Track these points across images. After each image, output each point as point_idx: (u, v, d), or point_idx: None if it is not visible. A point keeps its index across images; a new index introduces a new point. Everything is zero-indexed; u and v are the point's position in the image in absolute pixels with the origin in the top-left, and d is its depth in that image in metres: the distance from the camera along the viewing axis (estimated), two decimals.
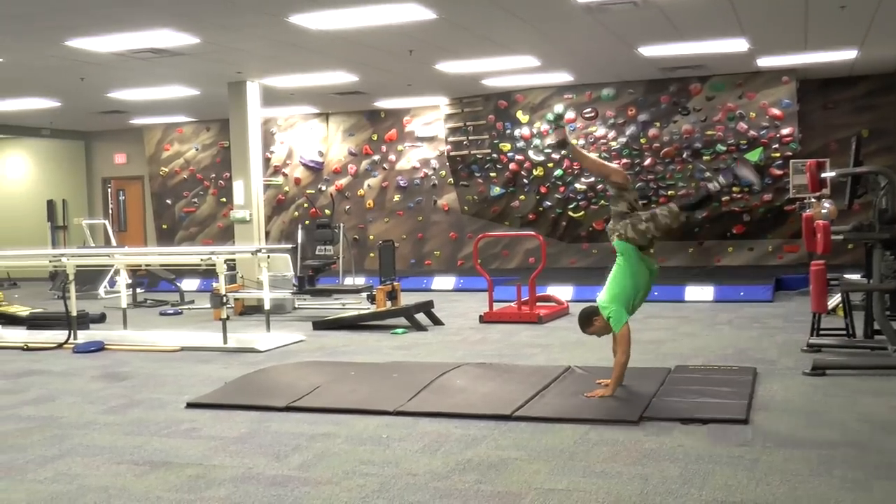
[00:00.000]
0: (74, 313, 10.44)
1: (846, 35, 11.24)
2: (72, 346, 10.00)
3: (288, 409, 6.60)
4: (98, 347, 9.89)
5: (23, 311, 12.36)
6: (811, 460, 4.98)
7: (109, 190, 20.96)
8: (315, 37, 10.22)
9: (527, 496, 4.55)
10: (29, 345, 10.22)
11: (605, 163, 7.62)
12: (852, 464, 4.91)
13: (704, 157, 14.64)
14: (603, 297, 6.76)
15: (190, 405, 6.88)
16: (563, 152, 7.10)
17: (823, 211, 11.16)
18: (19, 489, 4.93)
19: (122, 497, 4.72)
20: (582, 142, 15.27)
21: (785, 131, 14.08)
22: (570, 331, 10.32)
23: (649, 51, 11.94)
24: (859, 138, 8.66)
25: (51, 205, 20.50)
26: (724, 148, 14.45)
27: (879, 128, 14.60)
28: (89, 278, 15.84)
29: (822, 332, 8.78)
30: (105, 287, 16.16)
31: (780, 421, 5.87)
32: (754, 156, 14.29)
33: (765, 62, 13.19)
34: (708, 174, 14.64)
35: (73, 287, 10.55)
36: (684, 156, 14.74)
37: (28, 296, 15.80)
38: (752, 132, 14.22)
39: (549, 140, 15.20)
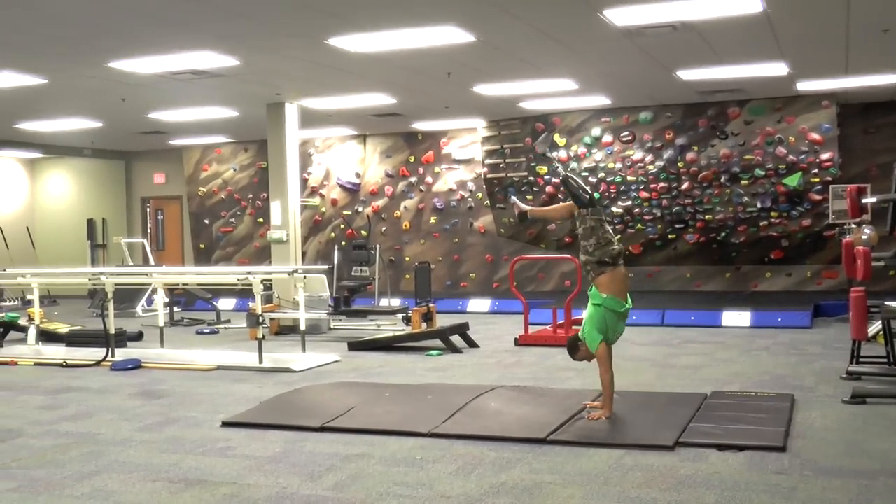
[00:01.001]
0: (112, 331, 10.55)
1: (888, 59, 11.15)
2: (109, 363, 10.11)
3: (322, 429, 6.62)
4: (135, 365, 9.99)
5: (62, 328, 12.52)
6: (850, 490, 4.91)
7: (148, 209, 21.20)
8: (354, 59, 10.31)
9: None
10: (68, 361, 10.35)
11: (557, 207, 7.99)
12: (893, 494, 4.84)
13: (742, 182, 14.55)
14: (582, 326, 6.98)
15: (225, 424, 6.93)
16: (525, 223, 7.27)
17: (864, 237, 11.06)
18: None
19: None
20: (619, 165, 15.25)
21: (825, 156, 13.96)
22: None
23: (687, 74, 11.92)
24: None
25: (91, 223, 20.78)
26: (762, 172, 14.36)
27: None
28: (127, 296, 16.01)
29: (861, 360, 8.67)
30: (143, 305, 16.32)
31: (818, 449, 5.80)
32: (793, 180, 14.19)
33: (804, 86, 13.11)
34: (746, 198, 14.56)
35: (111, 305, 10.67)
36: (722, 180, 14.66)
37: (67, 313, 16.00)
38: (791, 157, 14.12)
39: (586, 163, 15.20)
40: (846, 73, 11.97)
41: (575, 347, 7.03)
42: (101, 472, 5.60)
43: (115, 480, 5.42)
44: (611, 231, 7.07)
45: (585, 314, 6.90)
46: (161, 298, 12.16)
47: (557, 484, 5.15)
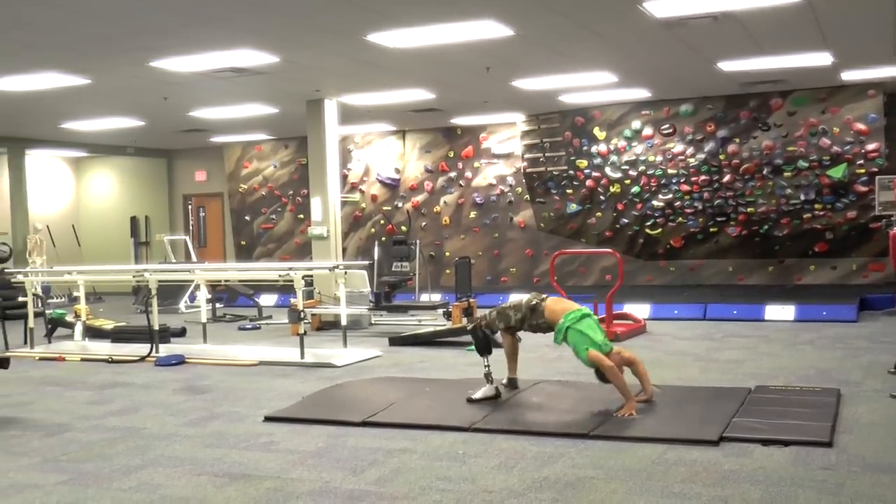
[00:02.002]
0: (156, 327, 10.69)
1: None
2: (154, 359, 10.23)
3: (364, 424, 6.65)
4: (179, 361, 10.10)
5: (107, 324, 12.68)
6: None
7: (190, 207, 21.39)
8: (393, 55, 10.32)
9: None
10: (113, 357, 10.49)
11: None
12: None
13: (785, 174, 14.38)
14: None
15: (268, 419, 6.98)
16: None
17: None
18: (105, 497, 5.06)
19: None
20: (660, 158, 15.14)
21: (870, 146, 13.76)
22: (648, 349, 10.22)
23: (729, 66, 11.80)
24: None
25: (134, 221, 21.02)
26: (806, 164, 14.18)
27: None
28: (170, 293, 16.17)
29: None
30: (185, 302, 16.49)
31: (865, 444, 5.73)
32: (838, 172, 14.00)
33: (849, 76, 12.92)
34: (789, 190, 14.39)
35: (155, 301, 10.79)
36: (765, 172, 14.50)
37: (112, 310, 16.19)
38: (835, 148, 13.93)
39: (627, 157, 15.12)
40: (893, 61, 11.78)
41: (600, 373, 6.98)
42: (148, 466, 5.68)
43: (160, 474, 5.49)
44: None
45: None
46: (203, 295, 12.28)
47: (600, 479, 5.13)
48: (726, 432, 5.99)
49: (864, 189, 13.97)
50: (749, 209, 14.88)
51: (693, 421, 6.41)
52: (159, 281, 11.20)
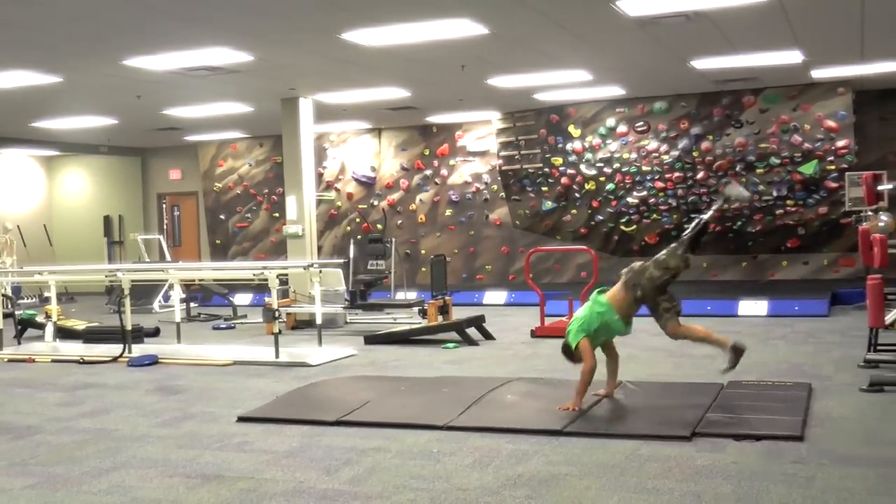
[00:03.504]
0: (129, 327, 10.60)
1: None
2: (126, 359, 10.15)
3: (339, 423, 6.62)
4: (152, 361, 10.02)
5: (79, 324, 12.58)
6: (868, 479, 4.88)
7: (164, 205, 21.27)
8: (368, 53, 10.29)
9: None
10: (85, 358, 10.40)
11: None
12: None
13: (758, 170, 14.47)
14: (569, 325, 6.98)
15: (242, 419, 6.94)
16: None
17: (881, 224, 10.99)
18: (74, 501, 5.01)
19: None
20: (634, 155, 15.19)
21: (840, 143, 13.87)
22: (622, 345, 10.15)
23: (702, 63, 11.85)
24: None
25: (107, 220, 20.88)
26: (777, 161, 14.27)
27: None
28: (144, 293, 16.08)
29: (879, 348, 8.62)
30: (159, 301, 16.40)
31: (836, 438, 5.77)
32: (809, 168, 14.10)
33: (820, 74, 13.02)
34: (762, 187, 14.48)
35: (128, 301, 10.71)
36: (737, 169, 14.58)
37: (84, 310, 16.08)
38: (806, 144, 14.03)
39: (601, 154, 15.15)
40: (862, 59, 11.87)
41: (569, 352, 6.94)
42: (119, 468, 5.62)
43: (132, 476, 5.44)
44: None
45: (576, 314, 6.96)
46: (178, 294, 12.21)
47: (574, 475, 5.13)
48: (699, 428, 6.01)
49: (834, 185, 14.08)
50: (723, 206, 14.94)
51: (666, 417, 6.43)
52: (133, 281, 11.12)
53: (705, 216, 7.05)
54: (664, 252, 6.94)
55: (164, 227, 21.10)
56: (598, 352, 6.97)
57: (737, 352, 6.72)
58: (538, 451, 5.69)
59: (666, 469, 5.18)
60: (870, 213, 12.49)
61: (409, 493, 4.92)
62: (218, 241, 20.12)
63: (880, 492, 4.67)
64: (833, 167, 13.99)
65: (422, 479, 5.17)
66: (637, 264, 6.95)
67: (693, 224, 7.10)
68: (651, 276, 6.80)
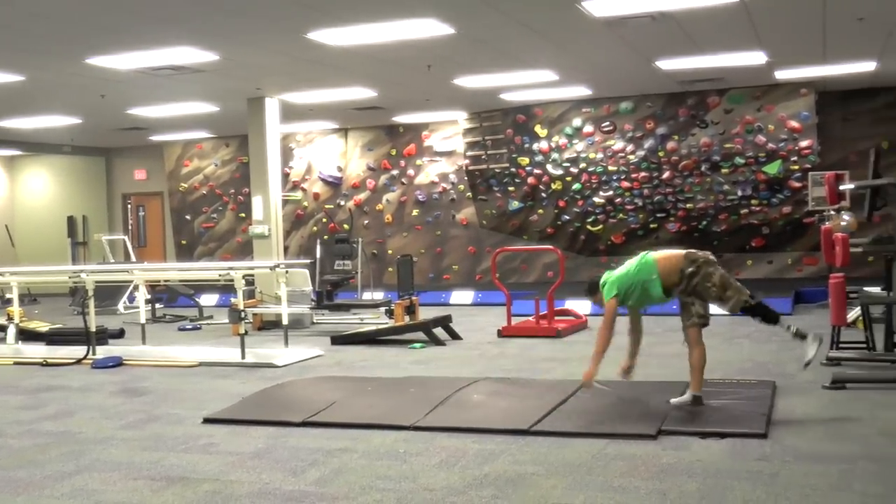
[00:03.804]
0: (93, 329, 10.50)
1: (865, 47, 11.19)
2: (91, 361, 10.05)
3: (305, 424, 6.59)
4: (116, 363, 9.93)
5: (42, 326, 12.43)
6: (831, 475, 4.94)
7: (129, 206, 21.08)
8: (334, 53, 10.26)
9: None
10: (48, 360, 10.27)
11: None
12: (873, 478, 4.87)
13: (723, 170, 14.59)
14: (607, 275, 6.94)
15: (207, 420, 6.89)
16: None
17: (843, 223, 11.11)
18: None
19: None
20: (600, 155, 15.25)
21: (804, 143, 14.01)
22: (589, 344, 10.21)
23: (667, 64, 11.93)
24: (878, 150, 8.63)
25: (71, 221, 20.65)
26: (742, 161, 14.40)
27: None
28: (109, 294, 15.91)
29: (841, 346, 8.72)
30: (124, 303, 16.24)
31: (799, 435, 5.83)
32: (773, 168, 14.24)
33: (783, 74, 13.15)
34: (727, 186, 14.60)
35: (92, 303, 10.61)
36: (703, 169, 14.69)
37: (48, 311, 15.91)
38: (770, 144, 14.17)
39: (568, 154, 15.20)
40: (824, 61, 12.00)
41: (594, 289, 7.00)
42: (82, 472, 5.56)
43: (95, 480, 5.38)
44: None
45: (618, 271, 6.87)
46: (143, 295, 12.11)
47: (540, 475, 5.14)
48: (665, 426, 6.05)
49: (798, 185, 14.23)
50: (688, 205, 15.07)
51: (632, 415, 6.47)
52: (97, 282, 11.01)
53: (790, 329, 6.72)
54: (737, 284, 6.73)
55: (129, 227, 20.91)
56: (623, 325, 6.99)
57: (696, 400, 6.64)
58: (504, 450, 5.70)
59: (632, 467, 5.21)
60: (832, 212, 12.64)
61: (375, 493, 4.91)
62: (183, 242, 19.98)
63: (842, 487, 4.73)
64: (797, 167, 14.14)
65: (388, 479, 5.16)
66: (712, 257, 6.76)
67: (771, 315, 6.82)
68: (711, 280, 6.61)
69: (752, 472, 5.02)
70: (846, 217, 11.64)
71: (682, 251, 6.79)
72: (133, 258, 18.39)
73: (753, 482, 4.85)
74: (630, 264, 6.85)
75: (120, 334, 12.32)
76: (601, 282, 6.93)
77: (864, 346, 8.78)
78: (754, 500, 4.56)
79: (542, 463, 5.39)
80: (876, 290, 9.94)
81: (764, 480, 4.87)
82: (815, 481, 4.83)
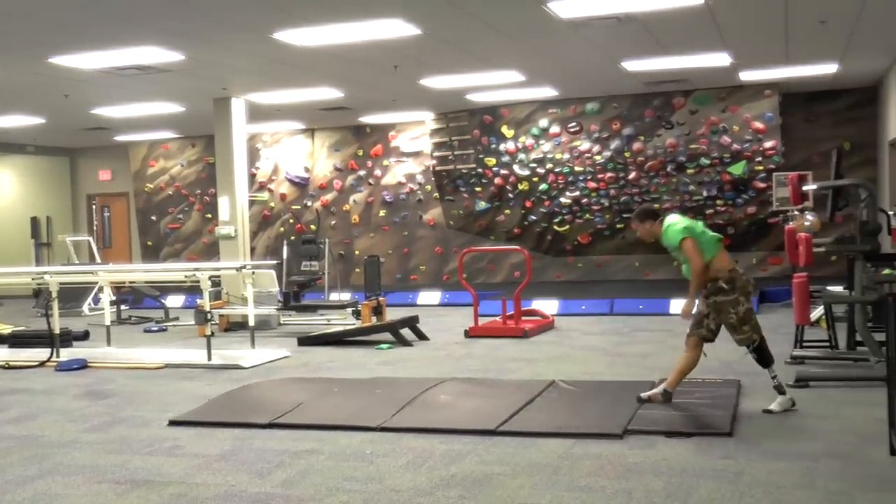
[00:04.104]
0: (57, 331, 10.37)
1: (826, 49, 11.31)
2: (54, 363, 9.93)
3: (271, 425, 6.56)
4: (81, 365, 9.82)
5: (5, 329, 12.27)
6: (794, 473, 4.98)
7: (94, 206, 20.88)
8: (300, 53, 10.22)
9: None
10: (10, 363, 10.13)
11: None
12: (836, 476, 4.92)
13: (689, 171, 14.69)
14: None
15: (173, 423, 6.83)
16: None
17: (807, 223, 11.22)
18: None
19: None
20: (567, 156, 15.30)
21: (768, 144, 14.14)
22: (556, 344, 10.34)
23: (633, 65, 11.99)
24: (840, 151, 8.72)
25: (35, 222, 20.40)
26: (707, 161, 14.50)
27: (861, 140, 14.68)
28: (73, 295, 15.74)
29: (805, 344, 8.80)
30: (89, 304, 16.08)
31: (763, 433, 5.88)
32: (738, 169, 14.35)
33: (747, 76, 13.25)
34: (692, 187, 14.70)
35: (56, 304, 10.48)
36: (668, 169, 14.79)
37: (11, 313, 15.69)
38: (735, 145, 14.28)
39: (534, 155, 15.23)
40: (787, 62, 12.12)
41: (644, 217, 6.86)
42: (45, 476, 5.49)
43: (59, 484, 5.31)
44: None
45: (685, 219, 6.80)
46: (108, 297, 11.99)
47: (507, 475, 5.15)
48: (631, 425, 6.08)
49: (762, 185, 14.35)
50: (654, 206, 15.13)
51: (599, 415, 6.50)
52: (61, 283, 10.88)
53: (774, 378, 6.63)
54: (755, 323, 6.69)
55: (94, 228, 20.71)
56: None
57: (666, 396, 6.69)
58: (471, 450, 5.70)
59: (598, 467, 5.23)
60: (796, 212, 12.76)
61: (342, 495, 4.89)
62: (149, 243, 19.82)
63: (805, 485, 4.77)
64: (761, 167, 14.26)
65: (355, 480, 5.15)
66: (751, 288, 6.75)
67: (766, 358, 6.70)
68: (735, 308, 6.59)
69: (717, 471, 5.06)
70: (810, 217, 11.75)
71: (734, 261, 6.83)
72: (98, 259, 18.21)
73: (718, 480, 4.88)
74: (696, 222, 6.79)
75: (84, 336, 12.17)
76: (664, 220, 6.77)
77: (828, 344, 8.89)
78: (719, 499, 4.59)
79: (508, 463, 5.39)
80: (839, 289, 10.06)
81: (728, 479, 4.91)
82: (778, 479, 4.88)
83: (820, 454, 5.34)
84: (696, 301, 6.74)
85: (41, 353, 10.29)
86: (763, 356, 6.67)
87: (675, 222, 6.76)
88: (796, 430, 5.97)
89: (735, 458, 5.30)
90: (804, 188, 8.24)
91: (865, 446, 5.50)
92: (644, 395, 6.77)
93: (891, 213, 10.21)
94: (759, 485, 4.79)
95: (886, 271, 8.34)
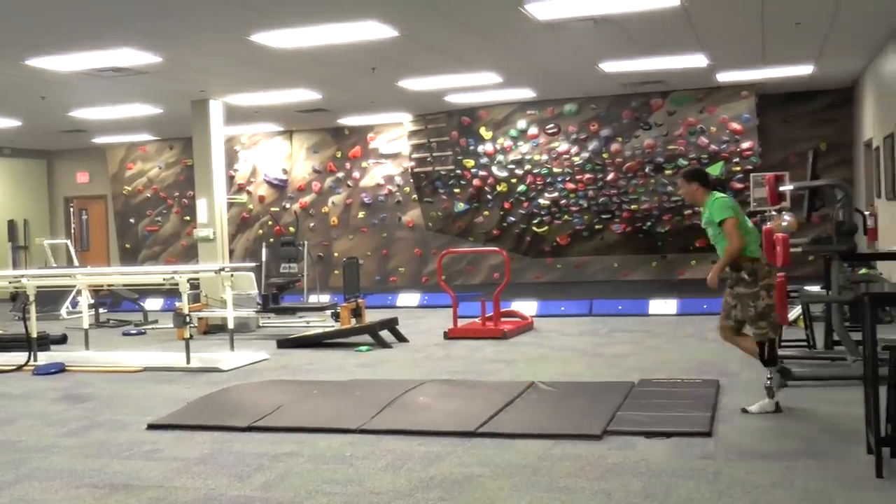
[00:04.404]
0: (35, 335, 10.27)
1: (802, 51, 11.37)
2: (32, 367, 9.83)
3: (250, 428, 6.52)
4: (59, 369, 9.73)
5: None
6: (773, 472, 4.99)
7: (72, 209, 20.73)
8: (278, 55, 10.18)
9: None
10: None
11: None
12: (813, 475, 4.93)
13: (667, 172, 14.73)
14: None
15: (151, 426, 6.78)
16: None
17: (784, 223, 11.26)
18: None
19: None
20: (545, 157, 15.32)
21: (745, 145, 14.21)
22: (535, 345, 10.33)
23: (610, 67, 12.01)
24: (816, 152, 8.76)
25: (11, 225, 20.19)
26: (685, 162, 14.55)
27: (837, 141, 14.78)
28: (51, 299, 15.60)
29: (782, 344, 8.82)
30: (67, 308, 15.94)
31: (742, 433, 5.89)
32: (716, 169, 14.41)
33: (724, 77, 13.31)
34: (671, 188, 14.75)
35: (33, 308, 10.39)
36: (647, 170, 14.83)
37: None
38: (713, 146, 14.34)
39: (513, 156, 15.23)
40: (764, 64, 12.18)
41: (693, 178, 6.67)
42: (22, 481, 5.43)
43: (36, 489, 5.26)
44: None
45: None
46: (86, 300, 11.89)
47: (487, 476, 5.13)
48: (610, 426, 6.08)
49: (739, 186, 14.41)
50: (633, 206, 15.19)
51: (578, 416, 6.49)
52: (38, 287, 10.78)
53: (770, 380, 6.55)
54: (774, 320, 6.56)
55: (72, 231, 20.56)
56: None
57: (782, 372, 6.53)
58: (451, 452, 5.68)
59: (577, 468, 5.22)
60: (773, 212, 12.81)
61: (321, 498, 4.87)
62: (127, 246, 19.70)
63: (784, 485, 4.78)
64: (738, 168, 14.33)
65: (334, 483, 5.12)
66: (774, 282, 6.62)
67: (772, 359, 6.59)
68: (755, 302, 6.45)
69: (696, 471, 5.06)
70: (787, 217, 11.82)
71: (763, 254, 6.72)
72: (76, 262, 18.07)
73: (697, 480, 4.89)
74: (738, 205, 6.64)
75: (62, 340, 12.09)
76: (713, 192, 6.61)
77: (805, 344, 8.92)
78: (698, 499, 4.60)
79: (488, 464, 5.38)
80: (815, 289, 10.11)
81: (708, 479, 4.92)
82: (757, 478, 4.89)
83: (799, 453, 5.36)
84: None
85: (18, 357, 10.18)
86: (771, 355, 6.58)
87: (723, 197, 6.63)
88: (775, 429, 5.98)
89: (714, 458, 5.31)
90: (781, 188, 8.25)
91: (844, 445, 5.52)
92: (751, 408, 6.52)
93: (866, 212, 10.29)
94: (738, 484, 4.79)
95: (863, 271, 8.42)
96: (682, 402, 6.73)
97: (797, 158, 14.78)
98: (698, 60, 11.73)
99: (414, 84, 12.75)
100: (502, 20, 9.12)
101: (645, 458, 5.37)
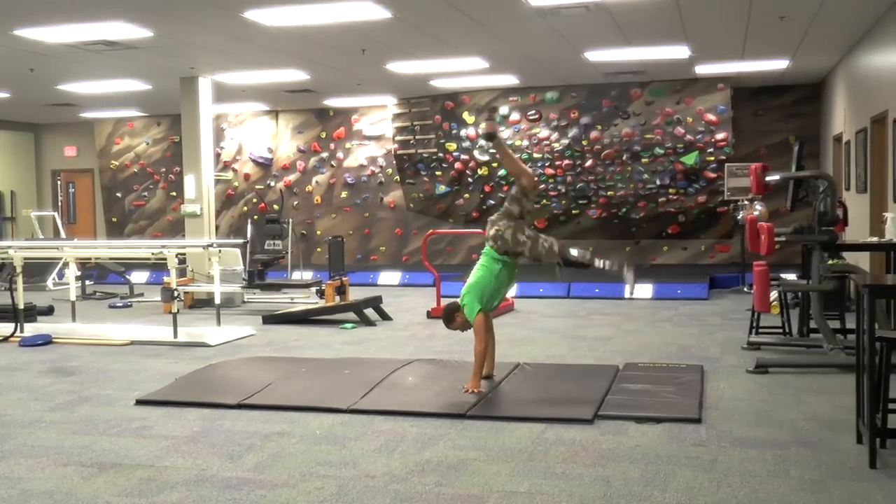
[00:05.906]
0: (21, 306, 9.88)
1: (781, 45, 11.14)
2: (18, 339, 9.44)
3: (240, 406, 6.21)
4: (45, 341, 9.36)
5: None
6: (767, 461, 4.78)
7: (59, 182, 20.21)
8: (269, 33, 9.81)
9: (489, 499, 4.27)
10: None
11: (521, 163, 7.37)
12: (807, 464, 4.72)
13: (643, 160, 14.50)
14: (462, 290, 6.68)
15: (140, 402, 6.45)
16: (488, 144, 7.40)
17: (756, 213, 11.09)
18: None
19: (69, 502, 4.32)
20: (526, 143, 15.04)
21: (719, 136, 14.00)
22: (517, 326, 10.08)
23: (595, 55, 11.72)
24: (802, 144, 8.56)
25: None
26: (661, 151, 14.33)
27: (805, 135, 14.57)
28: (37, 270, 15.17)
29: (760, 331, 8.65)
30: (54, 279, 15.52)
31: (731, 420, 5.67)
32: (690, 159, 14.20)
33: (702, 69, 13.08)
34: (646, 175, 14.53)
35: (20, 279, 10.01)
36: (624, 158, 14.58)
37: None
38: (688, 136, 14.12)
39: (480, 130, 14.91)
40: (742, 57, 11.94)
41: (451, 317, 6.76)
42: (7, 457, 5.10)
43: (22, 466, 4.93)
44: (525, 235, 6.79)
45: (471, 279, 6.65)
46: (73, 272, 11.51)
47: (482, 460, 4.87)
48: (601, 410, 5.84)
49: (713, 175, 14.21)
50: (609, 193, 14.95)
51: (568, 399, 6.25)
52: (25, 258, 10.39)
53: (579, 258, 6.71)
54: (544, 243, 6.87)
55: (59, 204, 20.05)
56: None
57: None
58: (443, 434, 5.42)
59: (573, 453, 4.97)
60: (746, 202, 12.63)
61: (316, 480, 4.58)
62: (114, 220, 19.24)
63: (778, 473, 4.57)
64: (712, 158, 14.12)
65: (328, 465, 4.84)
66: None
67: (578, 256, 6.77)
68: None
69: (692, 459, 4.83)
70: (759, 207, 11.65)
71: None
72: (63, 235, 17.62)
73: (694, 469, 4.66)
74: (477, 272, 6.72)
75: (49, 311, 11.71)
76: (460, 304, 6.71)
77: (781, 330, 8.76)
78: (697, 488, 4.36)
79: (481, 448, 5.12)
80: (791, 277, 9.94)
81: (704, 467, 4.69)
82: (752, 468, 4.67)
83: (788, 442, 5.15)
84: None
85: (5, 328, 9.80)
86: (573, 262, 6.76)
87: (466, 303, 6.63)
88: (762, 416, 5.76)
89: (707, 446, 5.08)
90: (766, 178, 8.01)
91: (831, 434, 5.32)
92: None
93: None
94: (735, 473, 4.57)
95: (831, 261, 8.21)
96: (668, 387, 6.50)
97: (766, 150, 14.63)
98: (680, 52, 11.46)
99: (401, 67, 12.40)
100: (496, 4, 8.79)
101: (639, 444, 5.13)
